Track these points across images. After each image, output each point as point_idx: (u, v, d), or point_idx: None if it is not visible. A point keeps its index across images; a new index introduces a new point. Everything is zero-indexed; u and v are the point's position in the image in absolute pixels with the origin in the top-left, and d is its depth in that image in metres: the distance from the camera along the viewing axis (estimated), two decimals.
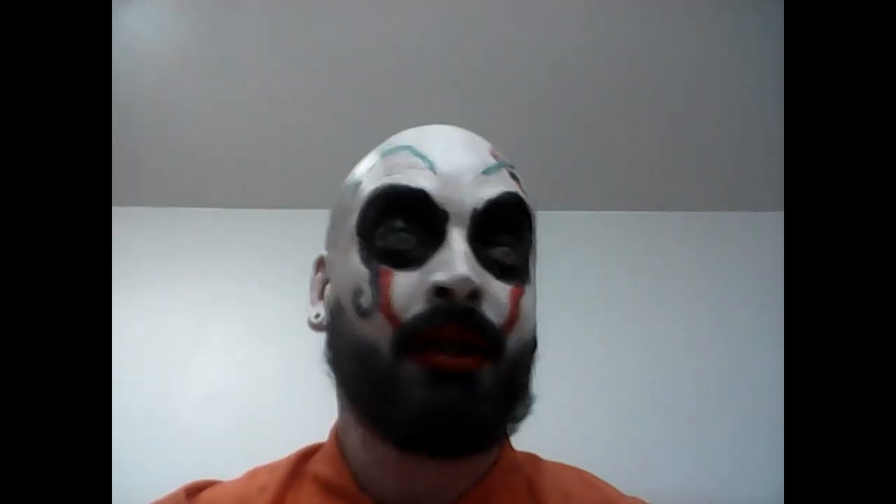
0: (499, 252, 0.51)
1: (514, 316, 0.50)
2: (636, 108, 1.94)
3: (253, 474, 0.60)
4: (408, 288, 0.49)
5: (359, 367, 0.50)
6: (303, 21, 1.74)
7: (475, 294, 0.47)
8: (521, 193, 0.54)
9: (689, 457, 1.88)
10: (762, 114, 1.86)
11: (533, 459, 0.60)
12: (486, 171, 0.52)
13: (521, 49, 1.80)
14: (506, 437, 0.57)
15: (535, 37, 1.77)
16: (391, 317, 0.48)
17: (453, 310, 0.47)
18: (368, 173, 0.55)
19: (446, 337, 0.47)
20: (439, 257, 0.49)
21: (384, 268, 0.50)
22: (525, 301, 0.51)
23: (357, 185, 0.55)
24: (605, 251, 2.14)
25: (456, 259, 0.47)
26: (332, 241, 0.58)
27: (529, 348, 0.52)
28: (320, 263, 0.59)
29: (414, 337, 0.48)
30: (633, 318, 2.08)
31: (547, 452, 0.61)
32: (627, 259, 2.17)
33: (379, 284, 0.49)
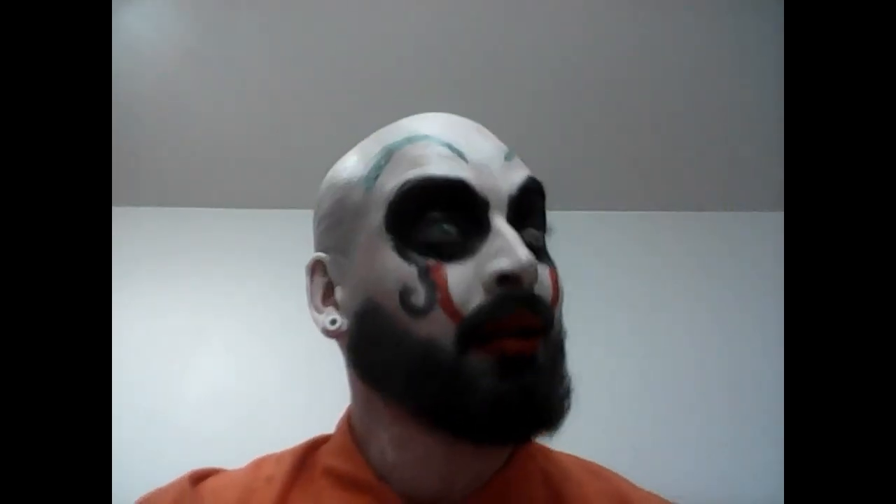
0: (530, 235, 0.51)
1: (556, 293, 0.51)
2: (636, 109, 1.94)
3: (258, 464, 0.59)
4: (465, 280, 0.47)
5: (419, 367, 0.48)
6: (302, 21, 1.74)
7: (537, 279, 0.47)
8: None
9: (689, 457, 1.88)
10: (762, 114, 1.86)
11: (544, 449, 0.60)
12: (507, 157, 0.53)
13: (520, 49, 1.80)
14: None
15: (535, 37, 1.77)
16: (453, 312, 0.47)
17: (520, 297, 0.46)
18: (387, 167, 0.51)
19: (517, 324, 0.47)
20: (492, 245, 0.48)
21: (432, 262, 0.48)
22: (559, 280, 0.52)
23: (370, 179, 0.52)
24: (605, 251, 2.14)
25: (515, 246, 0.46)
26: (336, 245, 0.54)
27: (562, 326, 0.53)
28: (316, 267, 0.56)
29: (478, 329, 0.46)
30: (633, 318, 2.09)
31: None
32: (627, 259, 2.17)
33: (433, 280, 0.47)
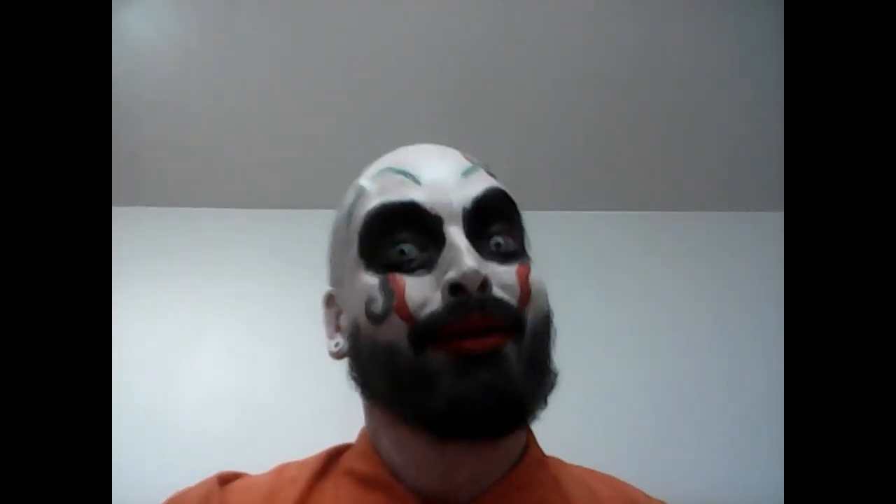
0: (496, 241, 0.54)
1: (525, 292, 0.52)
2: (636, 109, 1.94)
3: (281, 469, 0.62)
4: (422, 289, 0.51)
5: (382, 368, 0.52)
6: (303, 21, 1.74)
7: (485, 284, 0.50)
8: (502, 186, 0.57)
9: (689, 457, 1.88)
10: (762, 114, 1.86)
11: (556, 460, 0.62)
12: (465, 173, 0.56)
13: (521, 50, 1.80)
14: (530, 432, 0.59)
15: (535, 38, 1.77)
16: (407, 317, 0.51)
17: (470, 302, 0.49)
18: (358, 202, 0.58)
19: (470, 327, 0.49)
20: (445, 257, 0.51)
21: (393, 274, 0.52)
22: (534, 276, 0.54)
23: (349, 215, 0.58)
24: (605, 251, 2.14)
25: (462, 255, 0.50)
26: (336, 277, 0.60)
27: (547, 321, 0.55)
28: (329, 300, 0.62)
29: (433, 331, 0.50)
30: (633, 318, 2.09)
31: (546, 452, 0.61)
32: (627, 259, 2.17)
33: (390, 289, 0.52)
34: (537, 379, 0.52)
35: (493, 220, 0.55)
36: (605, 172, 2.11)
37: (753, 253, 2.10)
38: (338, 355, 0.59)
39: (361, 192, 0.58)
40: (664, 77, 1.86)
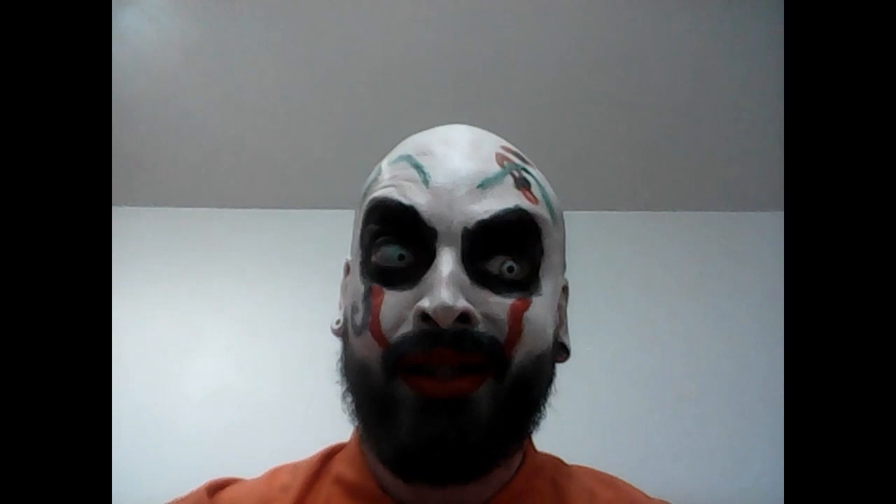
0: (498, 266, 0.49)
1: (515, 331, 0.48)
2: (636, 108, 1.94)
3: (273, 474, 0.60)
4: (396, 308, 0.48)
5: (357, 385, 0.50)
6: (303, 21, 1.74)
7: (465, 317, 0.46)
8: (526, 203, 0.51)
9: (689, 457, 1.88)
10: (762, 114, 1.86)
11: (556, 462, 0.60)
12: (483, 184, 0.50)
13: (520, 49, 1.80)
14: (529, 439, 0.57)
15: (534, 37, 1.77)
16: (378, 337, 0.48)
17: (442, 335, 0.46)
18: (372, 184, 0.54)
19: (438, 361, 0.46)
20: (428, 278, 0.47)
21: (376, 286, 0.49)
22: (531, 313, 0.49)
23: (364, 194, 0.55)
24: (606, 251, 2.14)
25: (439, 284, 0.46)
26: (352, 248, 0.57)
27: (542, 362, 0.51)
28: (347, 268, 0.58)
29: (404, 359, 0.47)
30: (633, 318, 2.08)
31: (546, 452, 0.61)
32: (627, 259, 2.17)
33: (370, 303, 0.49)
34: (512, 423, 0.48)
35: (502, 243, 0.49)
36: (605, 172, 2.11)
37: (753, 253, 2.09)
38: (336, 333, 0.56)
39: (378, 175, 0.54)
40: (663, 76, 1.86)
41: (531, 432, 0.53)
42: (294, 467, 0.59)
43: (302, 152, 2.10)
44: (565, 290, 0.59)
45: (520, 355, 0.48)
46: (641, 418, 1.95)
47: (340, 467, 0.57)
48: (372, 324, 0.48)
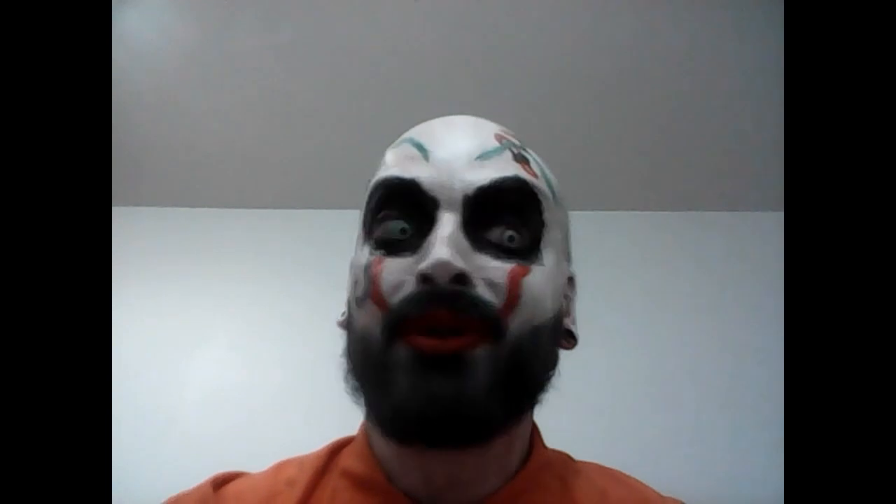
0: (499, 234, 0.50)
1: (513, 296, 0.48)
2: (636, 108, 1.94)
3: (279, 468, 0.59)
4: (396, 273, 0.49)
5: (358, 354, 0.51)
6: (303, 21, 1.74)
7: (462, 278, 0.47)
8: (525, 175, 0.52)
9: (689, 457, 1.88)
10: (762, 114, 1.86)
11: (565, 458, 0.60)
12: (482, 156, 0.51)
13: (519, 49, 1.80)
14: (537, 435, 0.57)
15: (534, 37, 1.77)
16: (379, 302, 0.48)
17: (440, 294, 0.46)
18: (377, 169, 0.56)
19: (435, 323, 0.46)
20: (428, 242, 0.48)
21: (377, 256, 0.50)
22: (530, 280, 0.49)
23: (368, 182, 0.56)
24: (606, 251, 2.14)
25: (438, 244, 0.47)
26: (357, 236, 0.58)
27: (540, 334, 0.50)
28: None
29: (404, 320, 0.47)
30: (633, 318, 2.08)
31: None
32: (627, 259, 2.17)
33: (370, 273, 0.50)
34: (512, 392, 0.48)
35: (503, 211, 0.50)
36: (605, 172, 2.11)
37: (753, 253, 2.09)
38: (341, 325, 0.57)
39: (382, 160, 0.56)
40: (664, 76, 1.86)
41: (530, 407, 0.52)
42: (300, 461, 0.59)
43: (302, 152, 2.10)
44: (572, 281, 0.60)
45: (517, 322, 0.48)
46: (641, 418, 1.95)
47: (348, 461, 0.57)
48: (373, 291, 0.49)
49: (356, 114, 1.95)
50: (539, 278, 0.50)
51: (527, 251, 0.51)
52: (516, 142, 0.55)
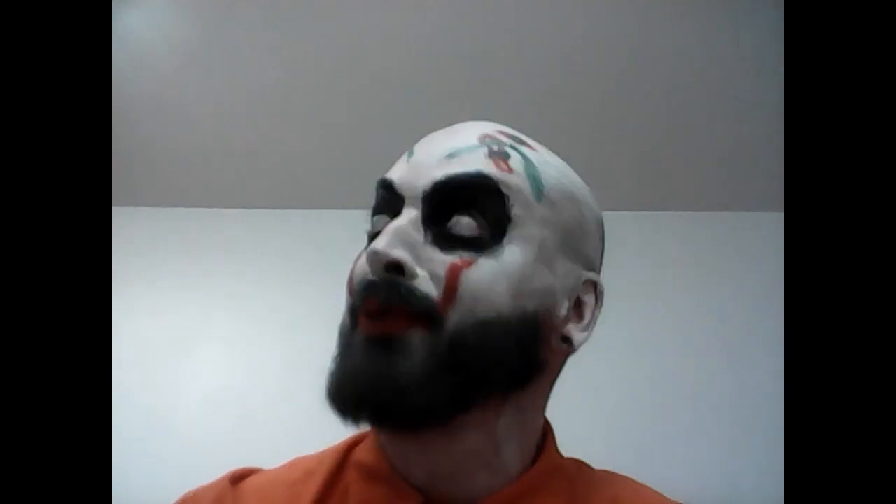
0: (458, 226, 0.51)
1: (450, 288, 0.48)
2: (636, 108, 1.94)
3: (295, 462, 0.61)
4: (361, 265, 0.52)
5: (338, 346, 0.54)
6: (303, 21, 1.74)
7: (397, 268, 0.49)
8: (492, 169, 0.52)
9: (689, 457, 1.88)
10: (762, 114, 1.86)
11: (579, 465, 0.60)
12: (452, 154, 0.53)
13: (520, 49, 1.80)
14: (552, 440, 0.57)
15: (534, 37, 1.77)
16: (350, 291, 0.52)
17: (374, 283, 0.49)
18: None
19: (370, 309, 0.49)
20: None
21: (361, 250, 0.54)
22: (472, 273, 0.49)
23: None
24: (605, 251, 2.14)
25: (381, 235, 0.50)
26: None
27: (489, 329, 0.49)
28: None
29: (356, 307, 0.51)
30: (633, 318, 2.08)
31: None
32: (628, 259, 2.17)
33: (353, 265, 0.53)
34: (455, 381, 0.48)
35: (461, 205, 0.51)
36: (605, 172, 2.10)
37: (753, 253, 2.10)
38: None
39: None
40: (664, 76, 1.86)
41: (487, 403, 0.51)
42: (319, 456, 0.60)
43: (302, 152, 2.10)
44: (591, 286, 0.63)
45: (457, 315, 0.48)
46: (641, 418, 1.95)
47: (360, 454, 0.58)
48: (348, 281, 0.53)
49: (356, 114, 1.95)
50: (485, 272, 0.50)
51: (483, 241, 0.51)
52: (506, 140, 0.56)
